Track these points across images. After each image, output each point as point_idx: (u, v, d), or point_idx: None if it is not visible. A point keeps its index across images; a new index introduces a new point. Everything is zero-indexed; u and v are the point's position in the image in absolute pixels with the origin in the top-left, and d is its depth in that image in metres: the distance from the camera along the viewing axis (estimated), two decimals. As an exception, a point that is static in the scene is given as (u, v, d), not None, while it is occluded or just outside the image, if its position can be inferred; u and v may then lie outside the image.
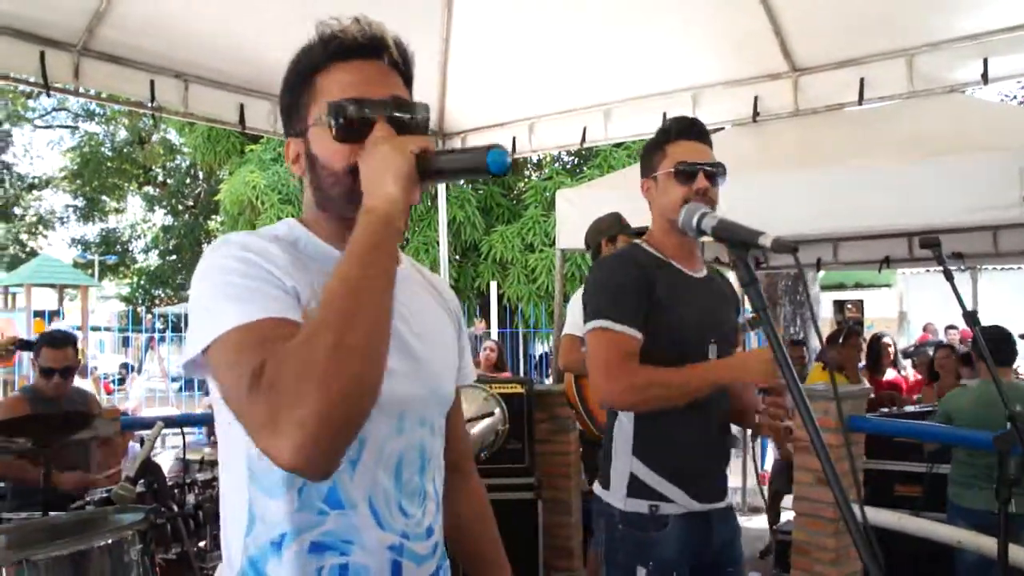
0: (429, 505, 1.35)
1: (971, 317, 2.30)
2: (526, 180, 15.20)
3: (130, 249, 31.10)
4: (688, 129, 2.32)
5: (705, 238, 1.77)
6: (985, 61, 4.54)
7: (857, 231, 6.22)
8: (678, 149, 2.28)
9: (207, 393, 6.80)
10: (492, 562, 1.67)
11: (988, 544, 2.54)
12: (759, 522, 7.24)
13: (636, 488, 2.21)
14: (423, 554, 1.32)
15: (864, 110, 5.04)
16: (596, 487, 2.36)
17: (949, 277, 2.36)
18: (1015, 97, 27.87)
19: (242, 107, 5.24)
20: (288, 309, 1.14)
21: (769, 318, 1.28)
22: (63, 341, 4.17)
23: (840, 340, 6.59)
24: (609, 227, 4.06)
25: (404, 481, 1.29)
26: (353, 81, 1.29)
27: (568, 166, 15.16)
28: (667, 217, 2.26)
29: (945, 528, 3.77)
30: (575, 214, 5.20)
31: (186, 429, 4.67)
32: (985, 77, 4.56)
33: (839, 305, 20.54)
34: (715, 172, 2.24)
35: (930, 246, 2.42)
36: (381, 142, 1.18)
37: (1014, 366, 4.69)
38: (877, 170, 4.39)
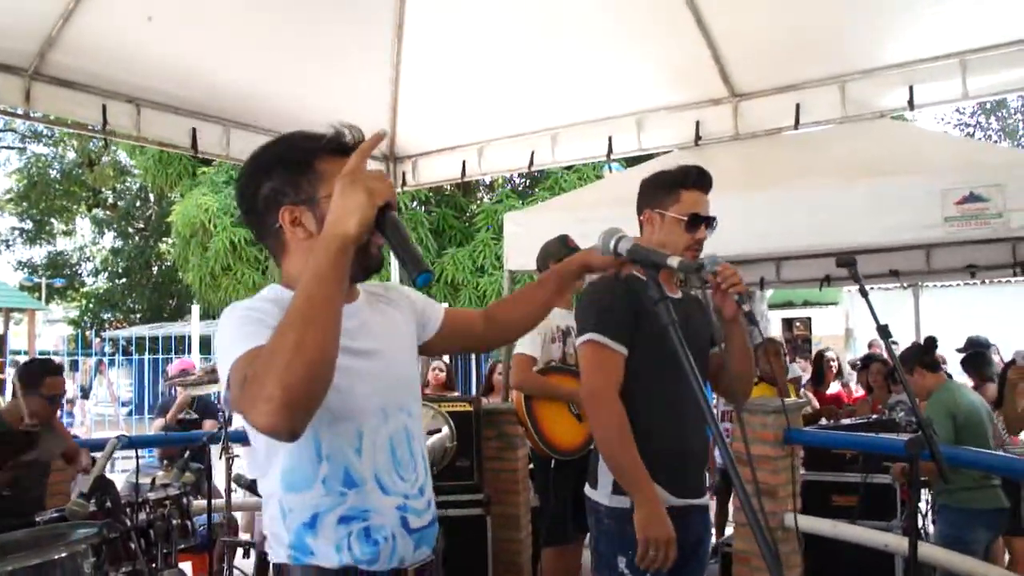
0: (419, 470, 1.75)
1: (883, 331, 2.44)
2: (478, 203, 15.32)
3: (79, 272, 30.61)
4: (705, 181, 2.53)
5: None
6: (911, 88, 4.78)
7: (796, 251, 6.42)
8: (692, 197, 2.51)
9: (159, 415, 6.76)
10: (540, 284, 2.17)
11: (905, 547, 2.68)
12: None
13: (620, 485, 2.38)
14: (420, 508, 1.73)
15: (800, 134, 5.23)
16: (586, 487, 2.54)
17: (864, 294, 2.51)
18: (960, 123, 28.83)
19: (194, 131, 5.29)
20: None
21: (678, 334, 1.40)
22: (59, 369, 4.28)
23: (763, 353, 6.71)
24: (557, 251, 4.15)
25: (398, 457, 1.71)
26: None
27: (519, 188, 15.32)
28: None
29: (875, 534, 3.92)
30: (523, 236, 5.31)
31: (139, 452, 4.66)
32: (911, 103, 4.80)
33: (787, 323, 20.90)
34: (713, 224, 2.51)
35: (846, 265, 2.56)
36: (359, 184, 1.43)
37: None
38: (813, 192, 4.56)
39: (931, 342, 5.03)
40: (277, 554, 1.67)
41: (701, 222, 2.49)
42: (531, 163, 5.98)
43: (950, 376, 5.81)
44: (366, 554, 1.63)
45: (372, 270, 1.71)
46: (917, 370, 4.70)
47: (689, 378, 1.45)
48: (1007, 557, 5.39)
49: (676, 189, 2.51)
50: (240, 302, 1.63)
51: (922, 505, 6.41)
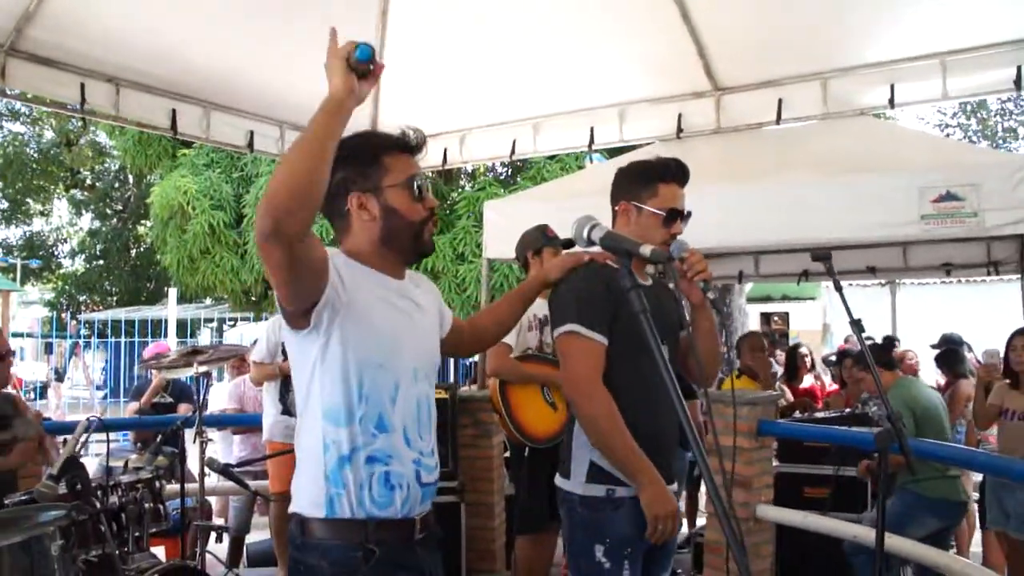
0: (431, 435, 2.00)
1: (857, 325, 2.46)
2: (459, 190, 15.26)
3: (55, 253, 30.28)
4: (682, 174, 2.53)
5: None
6: (892, 87, 4.82)
7: (774, 245, 6.45)
8: (669, 191, 2.49)
9: (133, 399, 6.72)
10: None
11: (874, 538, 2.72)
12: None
13: (594, 474, 2.40)
14: (431, 467, 1.98)
15: (782, 129, 5.27)
16: (557, 478, 2.53)
17: (838, 288, 2.53)
18: (941, 123, 29.06)
19: (174, 112, 5.24)
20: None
21: (649, 322, 1.41)
22: None
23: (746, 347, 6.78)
24: (534, 240, 4.15)
25: (420, 417, 1.96)
26: (413, 164, 2.04)
27: (501, 177, 15.29)
28: None
29: (845, 526, 3.97)
30: (502, 225, 5.31)
31: (111, 436, 4.63)
32: (892, 102, 4.84)
33: (766, 317, 21.04)
34: (687, 218, 2.51)
35: (821, 259, 2.58)
36: (332, 57, 1.76)
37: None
38: (793, 187, 4.59)
39: (888, 341, 5.12)
40: (304, 502, 1.88)
41: (677, 217, 2.48)
42: (513, 152, 5.98)
43: (915, 374, 5.89)
44: (382, 496, 1.85)
45: (424, 254, 2.05)
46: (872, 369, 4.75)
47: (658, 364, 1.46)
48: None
49: (654, 182, 2.50)
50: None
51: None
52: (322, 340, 1.83)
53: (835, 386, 8.00)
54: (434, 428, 2.03)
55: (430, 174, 6.18)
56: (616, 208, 2.59)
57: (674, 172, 2.51)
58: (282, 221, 1.59)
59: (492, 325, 2.50)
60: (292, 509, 1.92)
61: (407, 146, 2.03)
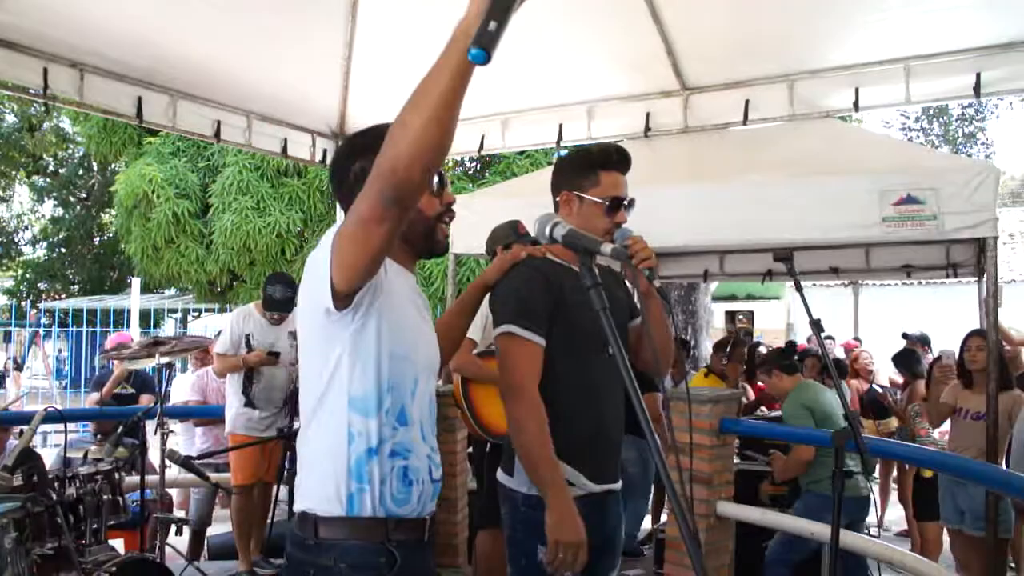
0: (434, 431, 1.95)
1: (816, 325, 2.50)
2: (429, 184, 15.24)
3: (16, 240, 29.75)
4: (624, 162, 2.46)
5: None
6: (857, 90, 4.89)
7: (739, 244, 6.54)
8: (610, 179, 2.42)
9: (94, 389, 6.64)
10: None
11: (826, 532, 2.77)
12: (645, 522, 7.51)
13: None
14: (438, 463, 1.93)
15: (748, 130, 5.32)
16: (499, 474, 2.47)
17: (799, 288, 2.57)
18: (904, 127, 29.49)
19: (140, 100, 5.18)
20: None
21: (610, 321, 1.43)
22: None
23: (728, 350, 6.90)
24: (505, 236, 4.15)
25: (432, 413, 1.93)
26: None
27: (470, 172, 15.28)
28: None
29: (802, 522, 4.03)
30: (470, 220, 5.30)
31: (70, 426, 4.57)
32: (856, 105, 4.91)
33: (731, 316, 21.24)
34: (632, 206, 2.44)
35: (782, 259, 2.62)
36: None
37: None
38: (758, 187, 4.63)
39: (791, 346, 5.25)
40: (319, 498, 1.77)
41: (621, 205, 2.42)
42: (481, 147, 5.99)
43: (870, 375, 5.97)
44: (401, 492, 1.80)
45: (436, 253, 1.99)
46: (775, 372, 4.89)
47: (615, 362, 1.45)
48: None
49: (596, 171, 2.43)
50: None
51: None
52: (357, 325, 1.75)
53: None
54: (435, 426, 1.98)
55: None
56: (557, 199, 2.52)
57: (615, 160, 2.46)
58: (411, 184, 1.50)
59: (447, 337, 2.40)
60: (301, 507, 1.81)
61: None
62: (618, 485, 2.50)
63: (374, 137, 1.76)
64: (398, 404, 1.81)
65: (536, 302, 2.33)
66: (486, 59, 1.37)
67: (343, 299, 1.68)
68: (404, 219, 1.57)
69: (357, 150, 1.85)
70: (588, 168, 2.45)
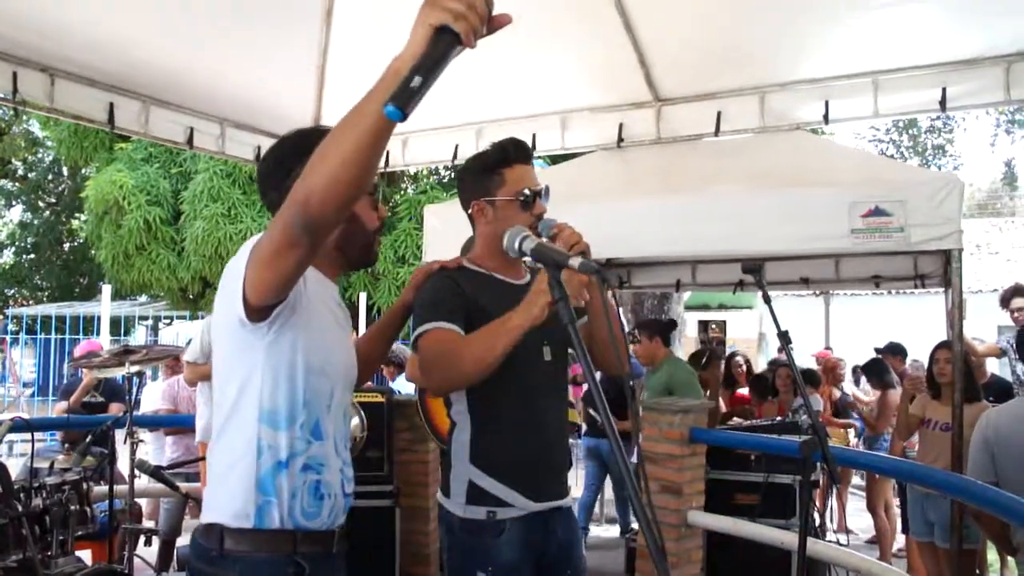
0: (348, 445, 1.95)
1: (784, 337, 2.53)
2: (401, 193, 15.21)
3: (-18, 246, 29.34)
4: (524, 153, 2.37)
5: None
6: (827, 103, 4.95)
7: (711, 255, 6.60)
8: (515, 174, 2.32)
9: (62, 398, 6.56)
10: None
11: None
12: (613, 531, 7.57)
13: (475, 495, 2.24)
14: (351, 477, 1.93)
15: (720, 141, 5.36)
16: (439, 495, 2.37)
17: (767, 300, 2.58)
18: (875, 138, 29.86)
19: (112, 106, 5.12)
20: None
21: (576, 332, 1.43)
22: None
23: (703, 362, 6.95)
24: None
25: (345, 427, 1.93)
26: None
27: (444, 180, 15.28)
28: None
29: (772, 531, 4.06)
30: (443, 229, 5.32)
31: (37, 435, 4.52)
32: (826, 118, 4.98)
33: (703, 325, 21.41)
34: (547, 194, 2.33)
35: (751, 272, 2.64)
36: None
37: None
38: (729, 198, 4.67)
39: (672, 323, 5.63)
40: (226, 511, 1.74)
41: (535, 196, 2.29)
42: (455, 156, 5.99)
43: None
44: (312, 506, 1.79)
45: (370, 264, 2.03)
46: (656, 339, 5.43)
47: (554, 368, 1.43)
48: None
49: (498, 170, 2.32)
50: None
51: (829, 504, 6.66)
52: (272, 337, 1.71)
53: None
54: (348, 440, 1.98)
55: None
56: (470, 212, 2.41)
57: (514, 153, 2.34)
58: (323, 218, 1.45)
59: (376, 353, 2.39)
60: (208, 519, 1.78)
61: None
62: (565, 501, 2.39)
63: (307, 142, 1.68)
64: (313, 418, 1.80)
65: (444, 302, 2.22)
66: (402, 118, 1.29)
67: (257, 312, 1.65)
68: (318, 246, 1.53)
69: (292, 155, 1.79)
70: (489, 170, 2.35)
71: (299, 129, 1.94)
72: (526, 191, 2.30)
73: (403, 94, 1.28)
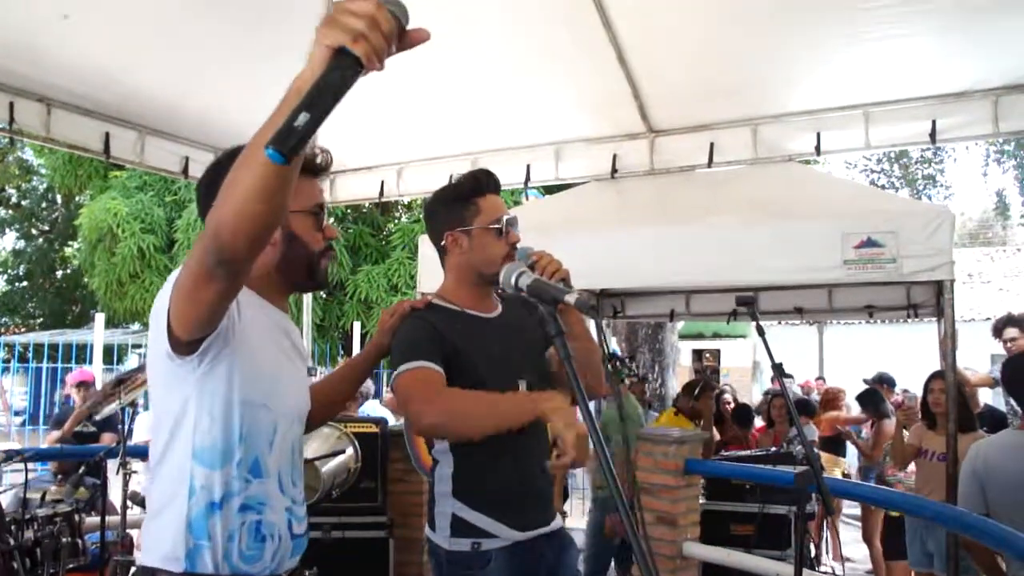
0: (301, 482, 1.88)
1: (778, 369, 2.54)
2: (395, 221, 15.25)
3: (-26, 273, 29.25)
4: (495, 183, 2.39)
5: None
6: (818, 135, 5.00)
7: (705, 285, 6.61)
8: (488, 203, 2.35)
9: (54, 427, 6.52)
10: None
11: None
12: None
13: (459, 527, 2.24)
14: (301, 516, 1.84)
15: (713, 172, 5.39)
16: (426, 528, 2.36)
17: (761, 332, 2.61)
18: (866, 168, 30.09)
19: (107, 135, 5.16)
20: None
21: (572, 367, 1.44)
22: None
23: (696, 392, 6.93)
24: None
25: (294, 463, 1.84)
26: (317, 188, 1.93)
27: (440, 209, 15.32)
28: (479, 270, 2.35)
29: (767, 563, 4.04)
30: (436, 259, 5.30)
31: (29, 465, 4.49)
32: (818, 149, 5.02)
33: (697, 354, 21.41)
34: (515, 223, 2.36)
35: (745, 303, 2.66)
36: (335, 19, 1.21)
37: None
38: (723, 229, 4.71)
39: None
40: (156, 553, 1.65)
41: (510, 225, 2.32)
42: (450, 186, 6.01)
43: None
44: (252, 549, 1.68)
45: (318, 287, 1.93)
46: None
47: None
48: None
49: (473, 200, 2.34)
50: None
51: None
52: (203, 370, 1.61)
53: (761, 424, 8.17)
54: (302, 475, 1.90)
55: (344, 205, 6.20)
56: (442, 244, 2.41)
57: (487, 182, 2.37)
58: (235, 253, 1.36)
59: (341, 396, 2.36)
60: (141, 561, 1.68)
61: (314, 168, 1.87)
62: (554, 525, 2.38)
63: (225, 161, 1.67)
64: (251, 455, 1.70)
65: (422, 341, 2.21)
66: (285, 162, 1.16)
67: (185, 346, 1.57)
68: (237, 278, 1.44)
69: (220, 177, 1.57)
70: (465, 200, 2.35)
71: (233, 148, 1.65)
72: (504, 218, 2.32)
73: (286, 136, 1.14)
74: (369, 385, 7.52)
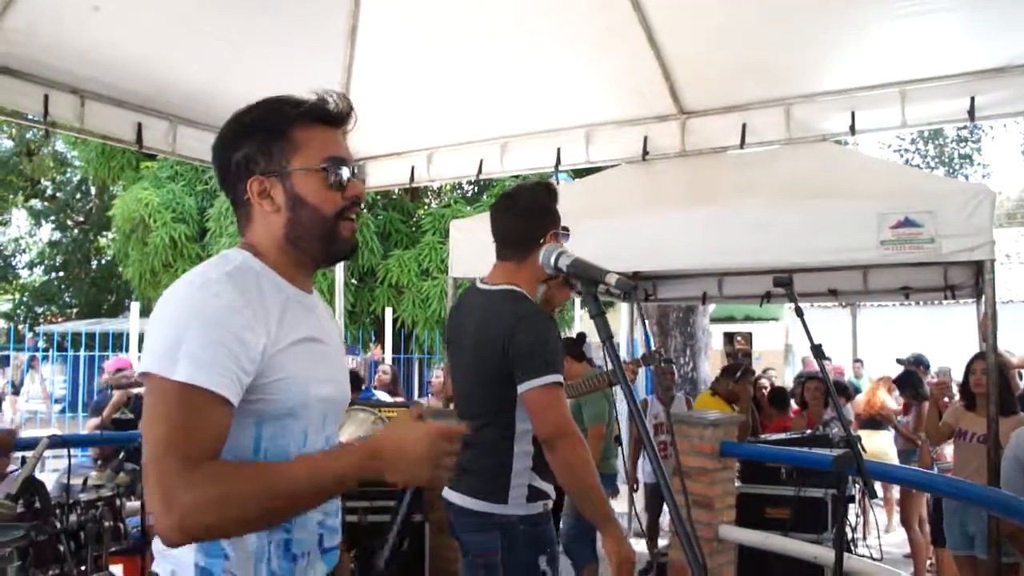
0: None
1: (817, 350, 2.51)
2: (425, 207, 15.27)
3: (13, 264, 29.72)
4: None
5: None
6: (852, 114, 4.91)
7: (737, 267, 6.56)
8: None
9: (93, 414, 6.61)
10: None
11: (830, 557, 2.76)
12: (639, 546, 7.49)
13: (534, 495, 2.53)
14: (334, 527, 1.63)
15: (745, 153, 5.34)
16: (481, 505, 2.51)
17: (799, 314, 2.57)
18: (900, 148, 29.67)
19: (140, 126, 5.21)
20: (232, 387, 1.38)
21: (614, 348, 1.43)
22: None
23: (737, 376, 6.90)
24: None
25: None
26: (332, 141, 1.57)
27: (467, 195, 15.33)
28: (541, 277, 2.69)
29: (805, 546, 4.02)
30: (468, 244, 5.34)
31: (71, 451, 4.56)
32: (853, 128, 4.93)
33: (729, 337, 21.24)
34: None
35: (782, 285, 2.62)
36: (431, 459, 1.42)
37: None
38: (756, 210, 4.64)
39: (581, 337, 5.57)
40: (168, 565, 1.50)
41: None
42: (480, 171, 6.01)
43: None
44: (283, 570, 1.51)
45: (340, 256, 1.62)
46: (567, 358, 5.08)
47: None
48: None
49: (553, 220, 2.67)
50: (209, 287, 1.41)
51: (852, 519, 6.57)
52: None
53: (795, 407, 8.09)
54: None
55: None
56: (542, 240, 2.55)
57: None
58: (201, 540, 1.40)
59: None
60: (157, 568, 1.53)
61: (327, 116, 1.57)
62: None
63: (255, 117, 1.55)
64: None
65: (557, 348, 2.49)
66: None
67: None
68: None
69: (237, 134, 1.55)
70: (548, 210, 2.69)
71: (252, 104, 1.60)
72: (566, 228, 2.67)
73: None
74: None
